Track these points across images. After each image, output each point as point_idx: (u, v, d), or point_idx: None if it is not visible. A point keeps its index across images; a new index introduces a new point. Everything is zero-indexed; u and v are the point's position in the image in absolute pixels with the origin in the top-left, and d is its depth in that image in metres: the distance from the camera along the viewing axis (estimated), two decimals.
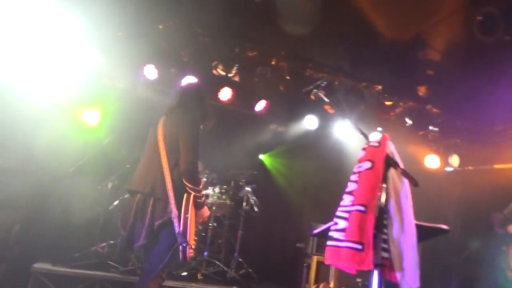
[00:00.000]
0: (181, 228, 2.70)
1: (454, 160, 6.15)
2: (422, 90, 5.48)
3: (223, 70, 4.62)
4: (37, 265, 3.78)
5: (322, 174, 6.73)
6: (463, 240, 6.39)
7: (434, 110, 5.68)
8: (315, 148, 7.03)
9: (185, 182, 2.79)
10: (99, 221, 4.76)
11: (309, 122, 6.08)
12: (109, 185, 4.85)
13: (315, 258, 5.23)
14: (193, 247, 2.80)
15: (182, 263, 4.83)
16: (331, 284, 4.63)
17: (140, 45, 4.39)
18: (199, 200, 2.89)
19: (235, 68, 4.65)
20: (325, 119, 6.11)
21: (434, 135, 6.00)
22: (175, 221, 2.71)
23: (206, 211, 3.08)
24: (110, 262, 4.32)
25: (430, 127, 5.75)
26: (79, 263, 4.19)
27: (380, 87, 5.26)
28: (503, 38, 3.71)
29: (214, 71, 4.74)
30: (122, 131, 5.13)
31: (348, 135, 5.89)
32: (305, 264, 5.75)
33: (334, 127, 6.18)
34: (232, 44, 4.60)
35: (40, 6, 3.99)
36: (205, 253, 5.13)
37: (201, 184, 2.98)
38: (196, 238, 4.53)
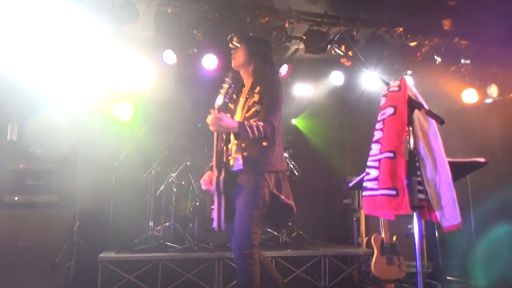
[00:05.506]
0: None
1: (493, 90, 5.88)
2: (446, 24, 5.21)
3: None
4: (103, 255, 4.08)
5: (357, 127, 6.67)
6: None
7: (463, 42, 5.38)
8: (346, 103, 6.95)
9: None
10: (150, 207, 5.06)
11: (335, 78, 6.01)
12: (153, 172, 5.11)
13: (362, 211, 5.27)
14: None
15: None
16: (383, 234, 4.69)
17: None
18: None
19: None
20: (351, 72, 6.01)
21: (467, 68, 5.72)
22: None
23: None
24: (168, 243, 4.60)
25: (462, 61, 5.47)
26: (140, 247, 4.50)
27: (401, 29, 5.05)
28: None
29: (230, 44, 4.74)
30: (154, 119, 5.33)
31: (375, 84, 5.76)
32: (354, 219, 5.80)
33: (362, 78, 6.09)
34: (242, 14, 4.57)
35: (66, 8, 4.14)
36: None
37: None
38: None
